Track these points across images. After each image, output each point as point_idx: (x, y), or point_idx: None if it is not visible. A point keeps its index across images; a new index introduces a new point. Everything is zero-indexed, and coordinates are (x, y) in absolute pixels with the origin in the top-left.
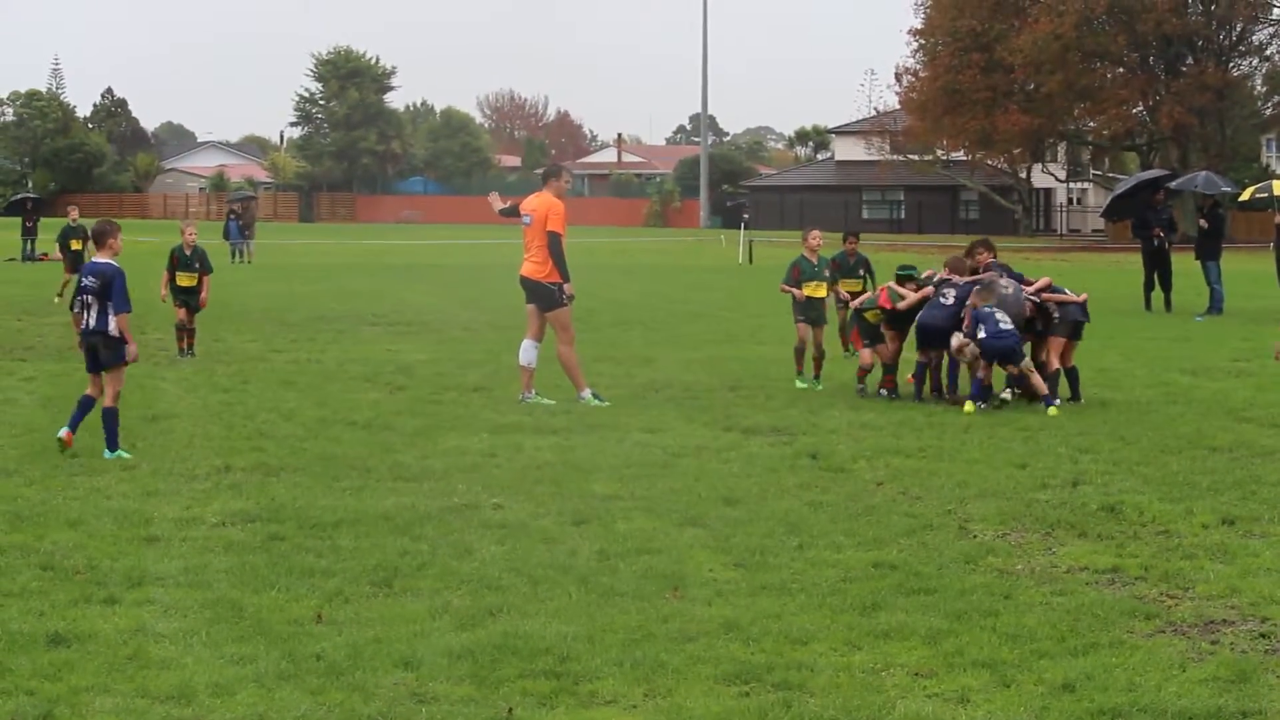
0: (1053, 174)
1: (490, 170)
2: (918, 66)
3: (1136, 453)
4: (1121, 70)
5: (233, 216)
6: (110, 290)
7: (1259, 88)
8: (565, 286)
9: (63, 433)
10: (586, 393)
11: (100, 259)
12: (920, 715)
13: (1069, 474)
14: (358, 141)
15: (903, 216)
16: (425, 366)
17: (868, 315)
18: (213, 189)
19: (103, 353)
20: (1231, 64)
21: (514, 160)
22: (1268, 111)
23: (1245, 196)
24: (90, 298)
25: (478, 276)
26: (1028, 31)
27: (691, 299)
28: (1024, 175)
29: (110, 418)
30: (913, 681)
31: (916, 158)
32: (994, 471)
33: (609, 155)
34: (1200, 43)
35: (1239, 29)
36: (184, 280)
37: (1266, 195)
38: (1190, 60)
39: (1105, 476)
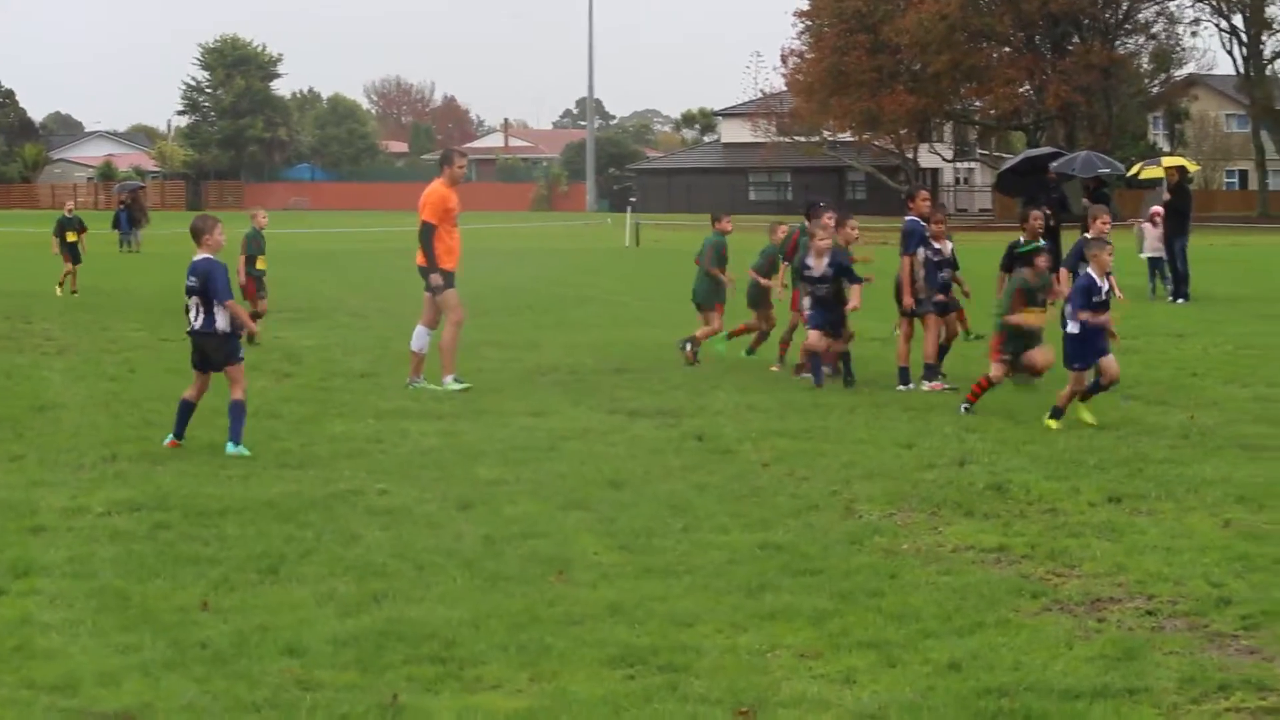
0: (940, 154)
1: (378, 156)
2: (804, 48)
3: (1023, 431)
4: (1008, 50)
5: (122, 207)
6: (211, 285)
7: (1145, 65)
8: (432, 276)
9: (166, 441)
10: (449, 379)
11: (200, 256)
12: (806, 696)
13: (955, 453)
14: (245, 129)
15: (790, 198)
16: (312, 353)
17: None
18: (101, 178)
19: (214, 355)
20: (1118, 42)
21: (401, 146)
22: (1154, 89)
23: (1134, 172)
24: (196, 298)
25: (366, 263)
26: (913, 12)
27: (578, 283)
28: (911, 155)
29: (237, 411)
30: (798, 662)
31: (803, 139)
32: (880, 452)
33: (496, 140)
34: (1086, 21)
35: (1125, 7)
36: (263, 264)
37: (1156, 168)
38: (1076, 39)
39: (992, 455)
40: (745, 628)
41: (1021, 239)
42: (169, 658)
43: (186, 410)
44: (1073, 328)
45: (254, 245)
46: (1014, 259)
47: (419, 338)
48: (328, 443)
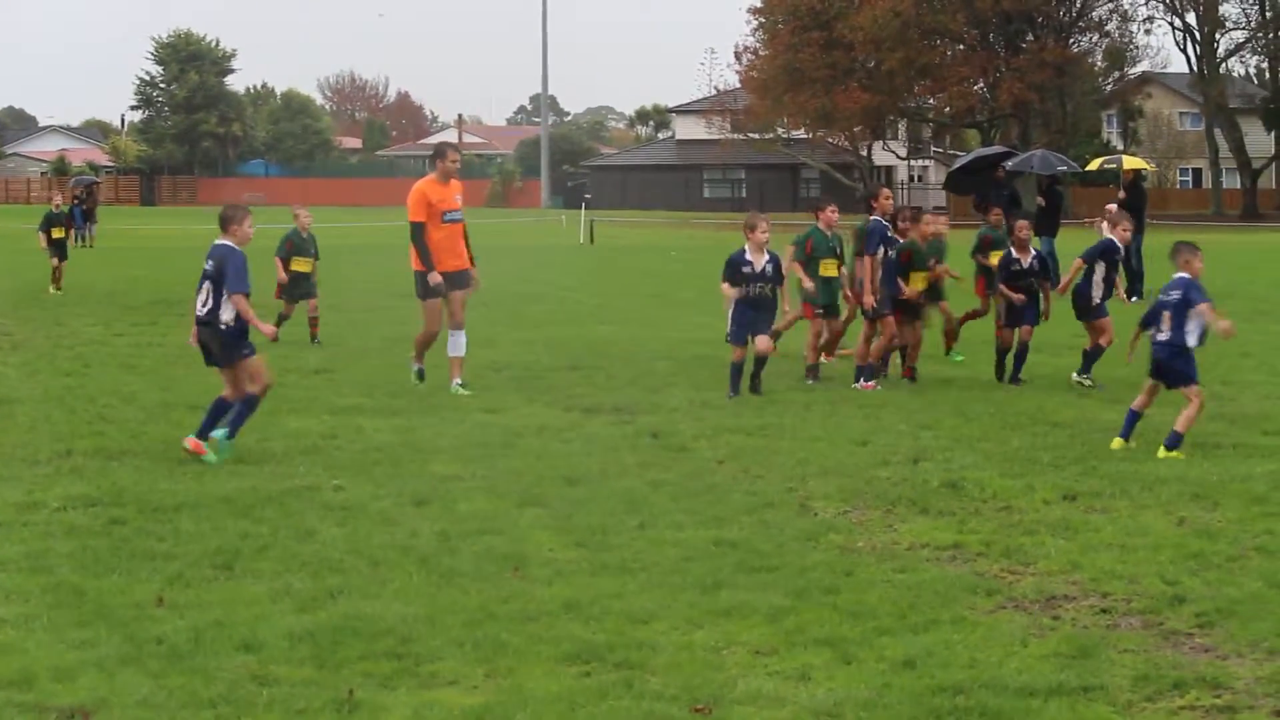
0: (893, 151)
1: (331, 152)
2: (758, 45)
3: (978, 429)
4: (962, 47)
5: (77, 202)
6: (224, 273)
7: (1099, 63)
8: (430, 275)
9: (188, 442)
10: (416, 366)
11: (221, 240)
12: (761, 693)
13: (910, 451)
14: (198, 124)
15: (744, 195)
16: (266, 349)
17: None
18: (54, 173)
19: (212, 345)
20: (1072, 40)
21: (355, 142)
22: (1108, 87)
23: (1093, 167)
24: (207, 283)
25: (319, 258)
26: (867, 9)
27: (533, 279)
28: (865, 153)
29: (248, 405)
30: (754, 659)
31: (757, 136)
32: (835, 449)
33: (450, 136)
34: (1040, 19)
35: (1079, 5)
36: (301, 265)
37: (1115, 167)
38: (1030, 37)
39: (946, 453)
40: (701, 625)
41: (1013, 251)
42: (124, 653)
43: (219, 410)
44: (1193, 339)
45: (286, 247)
46: (1006, 272)
47: (448, 343)
48: (283, 439)
